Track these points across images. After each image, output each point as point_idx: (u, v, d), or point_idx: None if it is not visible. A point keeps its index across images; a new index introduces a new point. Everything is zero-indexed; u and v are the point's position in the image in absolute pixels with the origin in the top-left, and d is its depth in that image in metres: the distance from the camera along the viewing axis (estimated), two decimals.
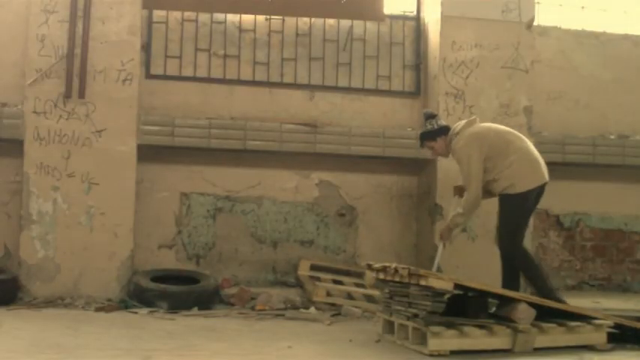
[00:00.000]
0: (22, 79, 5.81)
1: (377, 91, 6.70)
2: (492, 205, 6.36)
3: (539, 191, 5.20)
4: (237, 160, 6.41)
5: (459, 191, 5.47)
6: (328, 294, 5.79)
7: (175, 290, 5.59)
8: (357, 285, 6.05)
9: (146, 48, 6.26)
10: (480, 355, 4.13)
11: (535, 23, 6.67)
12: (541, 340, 4.28)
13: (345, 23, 6.65)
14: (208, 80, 6.42)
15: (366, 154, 6.38)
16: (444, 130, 5.39)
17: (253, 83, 6.48)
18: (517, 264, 5.10)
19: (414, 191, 6.71)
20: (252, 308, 5.68)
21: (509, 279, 5.08)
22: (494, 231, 5.49)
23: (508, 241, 5.17)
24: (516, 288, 5.01)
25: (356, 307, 5.66)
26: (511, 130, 5.41)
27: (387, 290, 4.63)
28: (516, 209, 5.16)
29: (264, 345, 4.32)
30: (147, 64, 6.28)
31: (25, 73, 5.77)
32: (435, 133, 5.41)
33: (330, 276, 6.17)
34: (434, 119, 5.44)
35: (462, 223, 5.40)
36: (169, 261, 6.26)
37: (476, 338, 4.16)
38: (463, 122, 5.38)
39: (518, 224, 5.18)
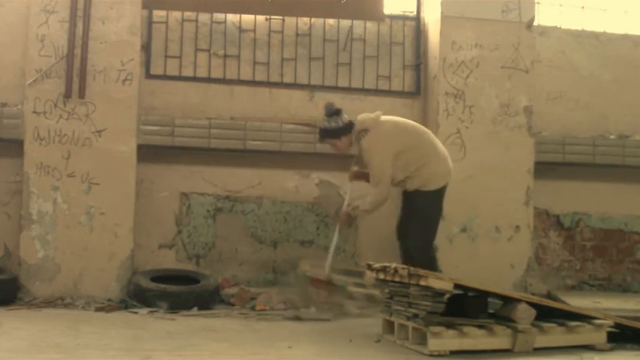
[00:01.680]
0: (22, 79, 5.81)
1: (377, 91, 6.70)
2: (491, 206, 6.40)
3: (446, 187, 5.28)
4: (237, 160, 6.40)
5: (356, 176, 5.49)
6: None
7: (175, 290, 5.59)
8: (357, 285, 6.04)
9: (146, 48, 6.26)
10: (480, 355, 4.13)
11: (535, 23, 6.67)
12: (541, 340, 4.27)
13: (345, 23, 6.65)
14: (208, 80, 6.42)
15: None
16: (349, 128, 5.28)
17: (253, 83, 6.48)
18: (422, 261, 4.94)
19: None
20: (253, 308, 5.68)
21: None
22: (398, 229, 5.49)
23: (421, 240, 5.19)
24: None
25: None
26: (417, 124, 5.46)
27: (387, 290, 4.63)
28: (432, 206, 5.19)
29: (264, 345, 4.32)
30: (147, 64, 6.28)
31: (25, 73, 5.77)
32: (340, 131, 5.29)
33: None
34: (338, 115, 5.29)
35: (363, 217, 5.50)
36: (169, 261, 6.26)
37: (476, 338, 4.16)
38: (370, 117, 5.27)
39: (433, 222, 5.22)
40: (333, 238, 5.55)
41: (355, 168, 5.58)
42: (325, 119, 5.37)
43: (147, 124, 6.04)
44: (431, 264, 5.06)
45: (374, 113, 5.35)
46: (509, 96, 6.50)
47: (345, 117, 5.32)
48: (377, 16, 6.56)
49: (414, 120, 6.60)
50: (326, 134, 5.35)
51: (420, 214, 5.21)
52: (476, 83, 6.46)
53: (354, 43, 6.68)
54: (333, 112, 5.32)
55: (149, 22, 6.32)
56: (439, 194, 5.22)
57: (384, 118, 5.30)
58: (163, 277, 5.83)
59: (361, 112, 6.52)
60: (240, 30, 6.50)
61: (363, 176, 5.48)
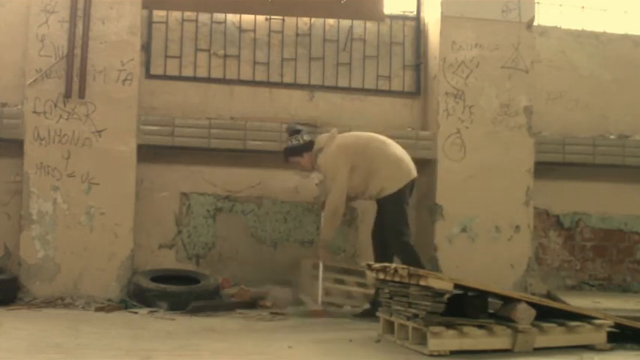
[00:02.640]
0: (22, 79, 5.81)
1: (377, 91, 6.70)
2: (491, 206, 6.40)
3: (410, 187, 5.49)
4: (237, 160, 6.41)
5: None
6: (328, 293, 5.82)
7: (175, 290, 5.59)
8: (359, 284, 6.05)
9: (146, 48, 6.26)
10: (480, 355, 4.13)
11: (535, 23, 6.67)
12: (541, 340, 4.27)
13: (345, 23, 6.65)
14: (208, 80, 6.42)
15: None
16: (310, 145, 5.56)
17: (253, 83, 6.48)
18: (406, 261, 5.16)
19: (414, 191, 6.70)
20: (260, 306, 5.68)
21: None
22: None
23: (396, 239, 5.40)
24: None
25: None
26: (373, 135, 5.62)
27: (387, 290, 4.63)
28: (394, 209, 5.40)
29: (264, 345, 4.32)
30: (147, 64, 6.28)
31: (25, 73, 5.77)
32: (301, 149, 5.58)
33: (331, 275, 6.16)
34: (299, 134, 5.58)
35: (330, 238, 5.60)
36: (169, 261, 6.26)
37: (476, 338, 4.16)
38: (326, 136, 5.56)
39: (397, 223, 5.39)
40: (319, 272, 5.67)
41: (324, 199, 5.75)
42: (287, 139, 5.67)
43: (147, 124, 6.03)
44: (413, 258, 5.21)
45: (330, 132, 5.61)
46: (509, 96, 6.50)
47: (306, 136, 5.61)
48: (377, 16, 6.56)
49: (413, 120, 6.70)
50: (289, 152, 5.65)
51: (388, 220, 5.45)
52: (476, 83, 6.46)
53: (354, 43, 6.68)
54: (294, 132, 5.64)
55: (149, 22, 6.32)
56: (396, 196, 5.39)
57: (339, 135, 5.57)
58: (163, 277, 5.83)
59: (361, 112, 6.57)
60: (240, 30, 6.50)
61: None
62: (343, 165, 5.38)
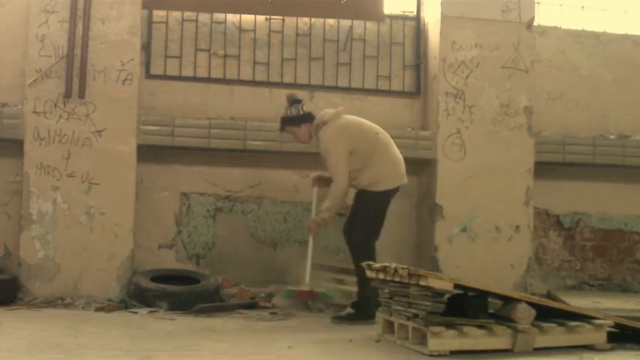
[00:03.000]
0: (22, 79, 5.81)
1: (377, 91, 6.70)
2: (491, 206, 6.40)
3: (395, 192, 5.36)
4: (237, 160, 6.41)
5: (319, 182, 5.61)
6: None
7: (175, 290, 5.59)
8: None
9: (146, 48, 6.26)
10: (480, 355, 4.13)
11: (535, 23, 6.67)
12: (541, 340, 4.27)
13: (345, 23, 6.65)
14: (208, 80, 6.42)
15: None
16: (309, 117, 5.42)
17: (253, 83, 6.48)
18: (358, 256, 5.09)
19: (413, 191, 6.71)
20: (260, 306, 5.68)
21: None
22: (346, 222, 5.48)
23: (359, 234, 5.25)
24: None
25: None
26: (376, 125, 5.48)
27: (387, 290, 4.62)
28: (375, 206, 5.27)
29: (264, 345, 4.32)
30: (147, 64, 6.29)
31: (25, 73, 5.77)
32: (299, 119, 5.44)
33: (332, 275, 6.17)
34: (299, 104, 5.45)
35: (330, 217, 5.43)
36: (169, 261, 6.26)
37: (476, 338, 4.16)
38: (331, 112, 5.39)
39: (373, 220, 5.28)
40: (308, 248, 5.60)
41: (317, 173, 5.70)
42: (286, 107, 5.52)
43: (147, 124, 6.03)
44: (369, 259, 5.04)
45: (335, 109, 5.47)
46: (509, 96, 6.50)
47: (306, 107, 5.48)
48: (377, 16, 6.56)
49: (413, 120, 6.70)
50: (286, 122, 5.50)
51: (363, 212, 5.29)
52: (476, 83, 6.46)
53: (354, 43, 6.69)
54: (295, 101, 5.49)
55: (149, 22, 6.32)
56: (384, 196, 5.30)
57: (345, 115, 5.43)
58: (163, 277, 5.83)
59: (361, 112, 6.55)
60: (240, 30, 6.50)
61: (325, 181, 5.59)
62: (343, 150, 5.21)
